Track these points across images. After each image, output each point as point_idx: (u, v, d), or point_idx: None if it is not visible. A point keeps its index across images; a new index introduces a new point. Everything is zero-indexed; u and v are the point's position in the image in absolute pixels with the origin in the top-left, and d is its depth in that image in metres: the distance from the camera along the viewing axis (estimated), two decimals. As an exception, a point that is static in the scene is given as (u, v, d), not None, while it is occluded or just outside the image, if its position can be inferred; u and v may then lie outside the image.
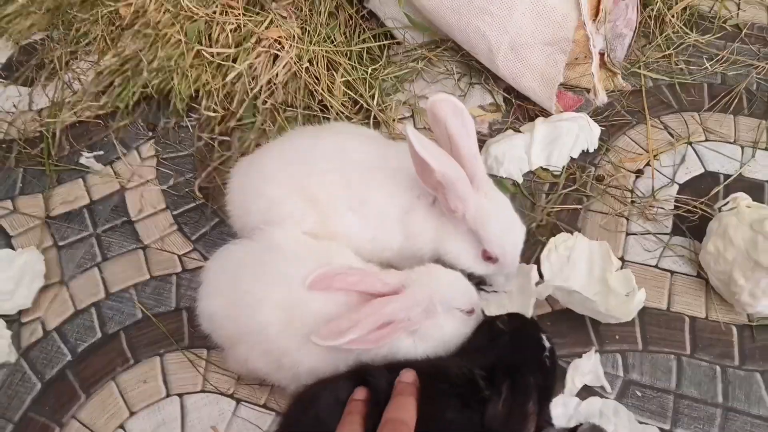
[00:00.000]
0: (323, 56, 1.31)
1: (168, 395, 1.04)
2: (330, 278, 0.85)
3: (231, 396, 1.02)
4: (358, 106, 1.31)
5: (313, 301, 0.85)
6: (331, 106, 1.29)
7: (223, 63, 1.29)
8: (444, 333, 0.89)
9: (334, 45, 1.34)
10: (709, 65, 1.34)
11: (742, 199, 1.06)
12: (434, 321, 0.87)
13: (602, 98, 1.22)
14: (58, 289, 1.16)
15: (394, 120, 1.30)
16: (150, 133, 1.34)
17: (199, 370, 1.05)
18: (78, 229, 1.22)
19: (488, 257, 0.95)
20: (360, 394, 0.81)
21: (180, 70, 1.31)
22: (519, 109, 1.30)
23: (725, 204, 1.07)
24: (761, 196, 1.17)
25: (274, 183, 0.98)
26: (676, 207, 1.17)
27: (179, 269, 1.16)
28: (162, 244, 1.19)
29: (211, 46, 1.32)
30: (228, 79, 1.27)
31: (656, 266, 1.12)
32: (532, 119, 1.28)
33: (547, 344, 0.91)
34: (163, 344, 1.08)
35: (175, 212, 1.23)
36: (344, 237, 0.96)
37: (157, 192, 1.26)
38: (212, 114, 1.28)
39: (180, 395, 1.04)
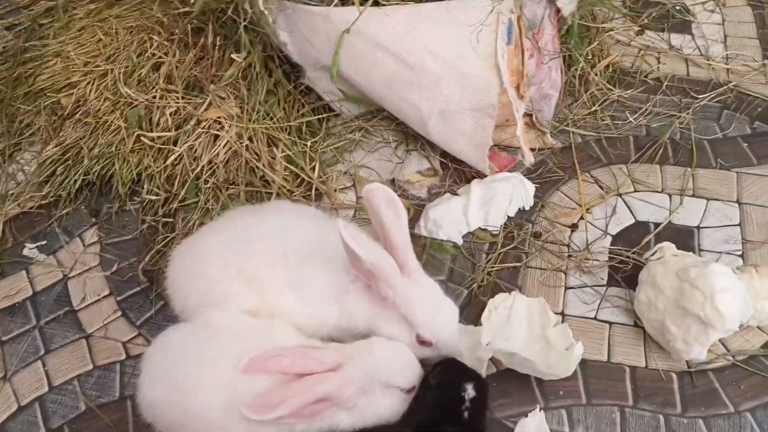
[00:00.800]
0: (263, 133, 1.34)
1: (113, 489, 1.02)
2: (263, 362, 0.85)
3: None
4: (299, 180, 1.34)
5: (255, 382, 0.85)
6: (273, 181, 1.31)
7: (163, 147, 1.31)
8: (381, 411, 0.90)
9: (274, 121, 1.37)
10: (633, 119, 1.40)
11: (668, 248, 1.09)
12: (371, 399, 0.88)
13: (529, 159, 1.26)
14: (1, 385, 1.14)
15: (335, 190, 1.33)
16: (93, 220, 1.35)
17: (145, 459, 1.04)
18: (21, 322, 1.21)
19: (422, 341, 0.97)
20: None
21: (121, 155, 1.33)
22: (456, 172, 1.34)
23: (653, 254, 1.11)
24: (691, 241, 1.21)
25: (214, 264, 0.99)
26: (610, 258, 1.20)
27: (123, 356, 1.15)
28: (105, 332, 1.18)
29: (151, 130, 1.34)
30: (169, 161, 1.29)
31: (595, 318, 1.14)
32: (468, 181, 1.32)
33: (470, 394, 0.92)
34: (107, 436, 1.07)
35: (119, 298, 1.23)
36: (284, 315, 0.97)
37: (100, 278, 1.26)
38: (154, 197, 1.29)
39: (125, 488, 1.02)
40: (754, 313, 1.05)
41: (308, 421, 0.83)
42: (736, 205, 1.26)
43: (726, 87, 1.44)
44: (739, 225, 1.23)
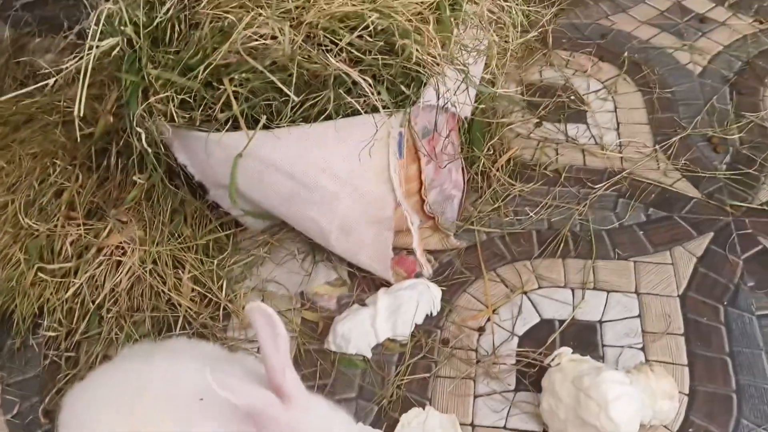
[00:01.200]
0: (168, 255, 1.34)
1: None
2: None
3: None
4: (207, 300, 1.33)
5: None
6: (179, 305, 1.30)
7: (64, 279, 1.29)
8: None
9: (179, 241, 1.36)
10: (534, 214, 1.44)
11: (565, 354, 1.11)
12: None
13: (428, 271, 1.28)
14: None
15: (243, 308, 1.32)
16: (-6, 359, 1.31)
17: None
18: None
19: None
20: None
21: (21, 290, 1.30)
22: (364, 280, 1.35)
23: (552, 359, 1.13)
24: (594, 337, 1.24)
25: (101, 412, 0.96)
26: (517, 361, 1.22)
27: None
28: (3, 484, 1.13)
29: (53, 260, 1.32)
30: (68, 294, 1.27)
31: (504, 427, 1.15)
32: (377, 288, 1.33)
33: None
34: None
35: (19, 444, 1.18)
36: None
37: (2, 424, 1.21)
38: (54, 334, 1.26)
39: None
40: (653, 414, 1.07)
41: None
42: (635, 296, 1.30)
43: (620, 175, 1.50)
44: (639, 317, 1.26)
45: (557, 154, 1.58)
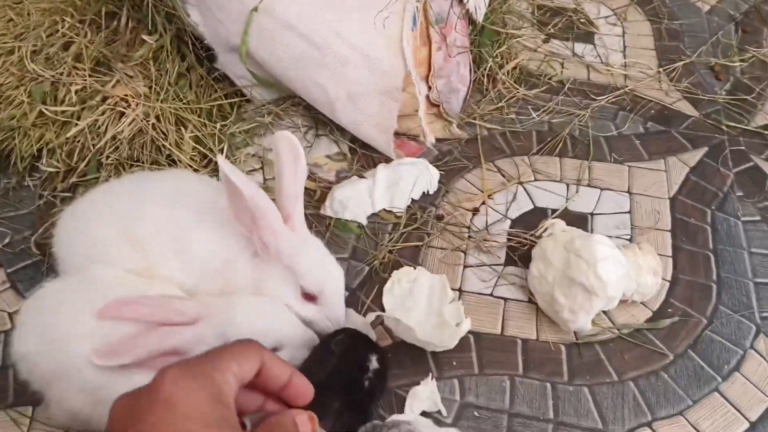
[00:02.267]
0: (171, 113, 1.34)
1: (-16, 458, 0.96)
2: (119, 308, 0.83)
3: (55, 454, 0.96)
4: (207, 160, 1.33)
5: (124, 332, 0.83)
6: (180, 161, 1.30)
7: (67, 120, 1.29)
8: None
9: (184, 103, 1.37)
10: (536, 115, 1.46)
11: (558, 224, 1.14)
12: None
13: (431, 139, 1.30)
14: None
15: (243, 172, 1.33)
16: (-12, 194, 1.30)
17: (22, 428, 0.99)
18: None
19: (307, 296, 0.97)
20: None
21: (22, 129, 1.30)
22: (363, 157, 1.37)
23: (544, 230, 1.15)
24: (585, 226, 1.26)
25: (100, 223, 0.97)
26: (508, 240, 1.24)
27: (8, 326, 1.10)
28: (-9, 303, 1.13)
29: (55, 104, 1.32)
30: (70, 134, 1.27)
31: (491, 294, 1.17)
32: (376, 166, 1.34)
33: (372, 366, 0.92)
34: (-17, 404, 1.01)
35: (9, 270, 1.18)
36: (168, 281, 0.96)
37: (-9, 252, 1.21)
38: (53, 169, 1.26)
39: (-2, 457, 0.96)
40: (636, 287, 1.10)
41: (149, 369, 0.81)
42: (627, 194, 1.32)
43: (623, 91, 1.53)
44: (629, 213, 1.29)
45: (563, 67, 1.60)
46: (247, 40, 1.27)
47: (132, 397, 0.51)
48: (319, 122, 1.40)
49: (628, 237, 1.25)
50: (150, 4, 1.35)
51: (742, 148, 1.41)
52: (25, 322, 0.88)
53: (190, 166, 1.30)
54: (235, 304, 0.90)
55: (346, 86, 1.26)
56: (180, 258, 0.97)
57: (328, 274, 0.97)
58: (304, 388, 0.61)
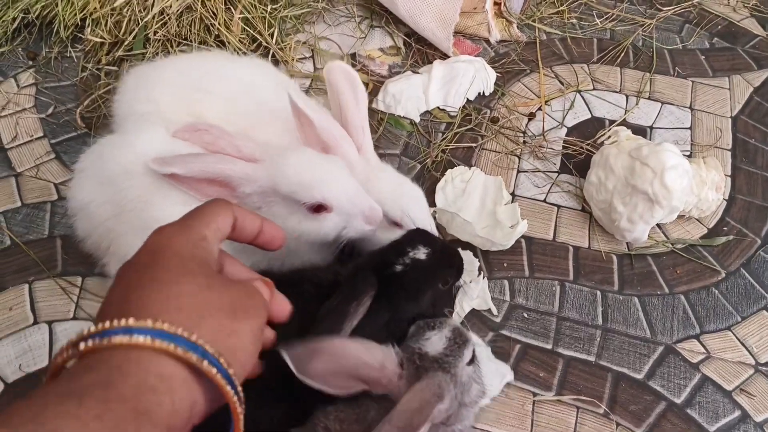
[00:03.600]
0: (221, -8, 1.27)
1: (36, 322, 0.96)
2: (190, 132, 0.84)
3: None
4: (256, 44, 1.28)
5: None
6: (228, 42, 1.25)
7: (112, -10, 1.23)
8: (285, 226, 0.77)
9: (233, -18, 1.30)
10: (599, 21, 1.39)
11: (623, 131, 1.10)
12: (273, 209, 0.84)
13: (495, 36, 1.24)
14: None
15: (293, 59, 1.28)
16: (30, 62, 1.25)
17: (72, 297, 0.99)
18: (-57, 155, 1.13)
19: (392, 221, 0.93)
20: None
21: (65, -4, 1.24)
22: (418, 52, 1.31)
23: (607, 137, 1.11)
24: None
25: (166, 91, 0.94)
26: (564, 147, 1.21)
27: (55, 197, 1.09)
28: (37, 172, 1.11)
29: (99, -27, 1.25)
30: (117, 4, 1.21)
31: (544, 201, 1.15)
32: (430, 63, 1.29)
33: (415, 255, 0.86)
34: (32, 271, 1.01)
35: (53, 141, 1.15)
36: None
37: (34, 120, 1.18)
38: (98, 40, 1.21)
39: (49, 323, 0.97)
40: (696, 202, 1.08)
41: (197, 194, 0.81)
42: (689, 110, 1.28)
43: (690, 3, 1.45)
44: (690, 128, 1.25)
45: (628, -26, 1.51)
46: None
47: (133, 256, 0.56)
48: (374, 13, 1.34)
49: (688, 153, 1.22)
50: None
51: (812, 71, 1.35)
52: (83, 170, 0.87)
53: (239, 49, 1.25)
54: (290, 153, 0.85)
55: (409, -26, 1.19)
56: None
57: (411, 200, 0.93)
58: (275, 232, 0.66)
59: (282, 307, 0.64)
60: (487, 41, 1.34)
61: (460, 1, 1.19)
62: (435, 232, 0.95)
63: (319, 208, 0.83)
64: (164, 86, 0.94)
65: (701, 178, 1.07)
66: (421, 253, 0.85)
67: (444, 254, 0.88)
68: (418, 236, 0.92)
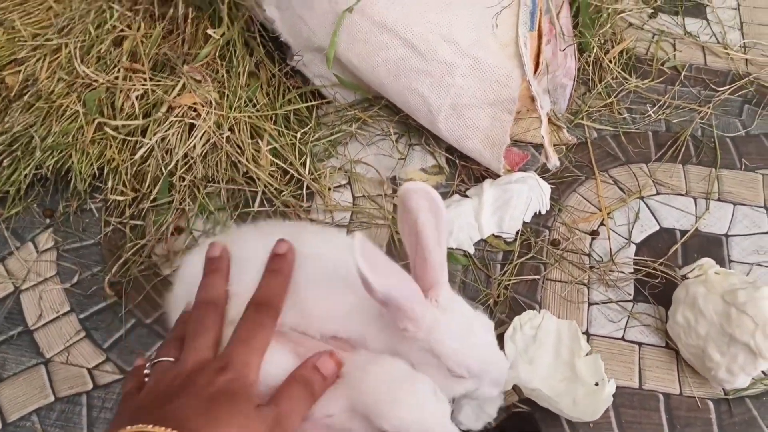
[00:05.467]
0: (245, 122, 1.18)
1: None
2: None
3: None
4: (288, 176, 1.18)
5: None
6: (258, 178, 1.15)
7: (129, 137, 1.13)
8: None
9: (257, 109, 1.20)
10: (653, 112, 1.29)
11: (709, 266, 0.99)
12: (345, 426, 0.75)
13: (554, 162, 1.14)
14: (-59, 422, 0.97)
15: (329, 189, 1.18)
16: (47, 221, 1.16)
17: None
18: (-36, 345, 1.03)
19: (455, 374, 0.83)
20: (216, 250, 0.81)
21: (79, 146, 1.14)
22: (463, 169, 1.21)
23: (691, 270, 1.01)
24: (720, 251, 1.12)
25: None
26: (635, 270, 1.10)
27: (90, 386, 0.99)
28: (68, 357, 1.02)
29: (114, 117, 1.16)
30: (137, 156, 1.12)
31: (623, 338, 1.04)
32: (477, 180, 1.19)
33: None
34: (74, 482, 0.91)
35: (81, 315, 1.06)
36: None
37: (58, 292, 1.08)
38: (121, 198, 1.11)
39: None
40: (797, 336, 0.97)
41: None
42: (764, 210, 1.17)
43: (746, 80, 1.34)
44: (768, 233, 1.15)
45: (675, 49, 1.41)
46: (336, 42, 1.09)
47: None
48: (411, 129, 1.24)
49: (772, 265, 1.11)
50: (218, -5, 1.16)
51: None
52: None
53: (270, 185, 1.15)
54: (370, 368, 0.76)
55: (452, 96, 1.09)
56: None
57: (474, 350, 0.81)
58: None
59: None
60: (535, 145, 1.24)
61: (510, 123, 1.09)
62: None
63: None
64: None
65: (801, 312, 0.97)
66: None
67: None
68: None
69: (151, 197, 1.12)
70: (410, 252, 0.81)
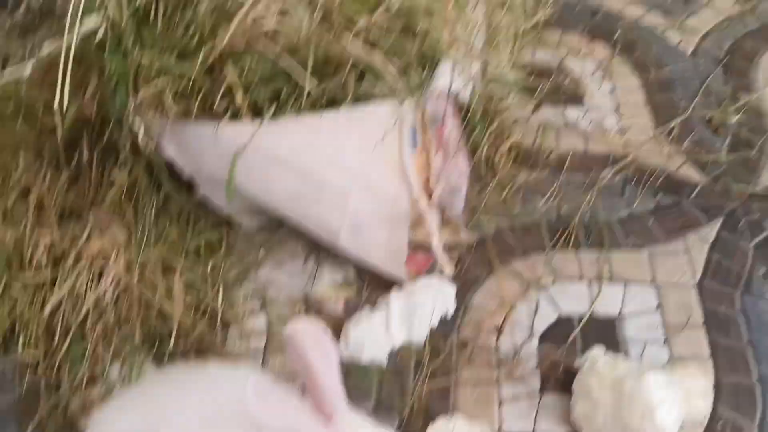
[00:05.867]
0: (156, 260, 1.21)
1: None
2: None
3: None
4: (202, 308, 1.21)
5: None
6: (172, 316, 1.18)
7: (37, 291, 1.15)
8: None
9: (167, 244, 1.24)
10: (543, 203, 1.38)
11: (598, 357, 1.06)
12: None
13: (448, 272, 1.21)
14: None
15: (242, 317, 1.21)
16: (-39, 385, 1.16)
17: None
18: None
19: None
20: None
21: (-12, 305, 1.15)
22: (373, 280, 1.26)
23: (585, 363, 1.08)
24: (615, 333, 1.20)
25: None
26: (539, 362, 1.16)
27: None
28: None
29: (23, 271, 1.18)
30: (48, 308, 1.13)
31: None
32: (387, 288, 1.24)
33: None
34: None
35: (-1, 482, 1.05)
36: None
37: (-25, 459, 1.07)
38: (33, 360, 1.12)
39: None
40: (686, 413, 1.04)
41: None
42: (652, 287, 1.26)
43: (624, 162, 1.45)
44: (659, 309, 1.23)
45: (557, 140, 1.52)
46: (234, 178, 1.14)
47: None
48: (319, 247, 1.29)
49: (663, 339, 1.19)
50: (125, 141, 1.21)
51: (757, 216, 1.36)
52: None
53: (184, 321, 1.18)
54: None
55: (349, 217, 1.16)
56: None
57: None
58: None
59: None
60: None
61: (406, 237, 1.16)
62: None
63: None
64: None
65: (687, 389, 1.04)
66: None
67: None
68: None
69: (64, 349, 1.13)
70: (307, 384, 0.85)
